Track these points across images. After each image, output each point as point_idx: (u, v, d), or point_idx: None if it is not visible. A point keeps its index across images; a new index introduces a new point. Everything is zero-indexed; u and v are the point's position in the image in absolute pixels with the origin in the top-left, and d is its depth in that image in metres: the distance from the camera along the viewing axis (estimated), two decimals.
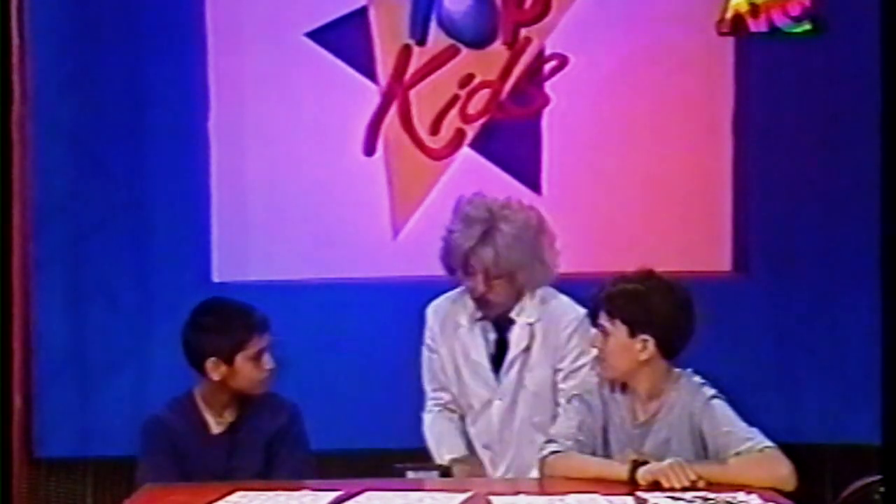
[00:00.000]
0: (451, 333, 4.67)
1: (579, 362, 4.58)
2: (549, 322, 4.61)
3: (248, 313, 4.22)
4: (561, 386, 4.60)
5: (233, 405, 4.26)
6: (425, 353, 4.74)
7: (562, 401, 4.57)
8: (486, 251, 4.47)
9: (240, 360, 4.18)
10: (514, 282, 4.55)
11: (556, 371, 4.60)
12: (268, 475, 4.17)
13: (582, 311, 4.56)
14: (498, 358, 4.64)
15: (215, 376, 4.19)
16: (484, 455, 4.64)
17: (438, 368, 4.70)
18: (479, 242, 4.47)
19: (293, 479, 4.11)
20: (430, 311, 4.74)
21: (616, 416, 4.12)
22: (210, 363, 4.17)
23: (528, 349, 4.60)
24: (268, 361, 4.20)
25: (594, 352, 4.46)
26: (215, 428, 4.25)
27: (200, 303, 4.31)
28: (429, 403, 4.71)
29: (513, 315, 4.61)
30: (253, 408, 4.26)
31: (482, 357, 4.63)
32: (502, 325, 4.63)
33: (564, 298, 4.65)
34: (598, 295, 4.12)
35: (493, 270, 4.50)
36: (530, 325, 4.60)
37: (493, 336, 4.64)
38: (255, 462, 4.21)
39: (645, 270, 4.15)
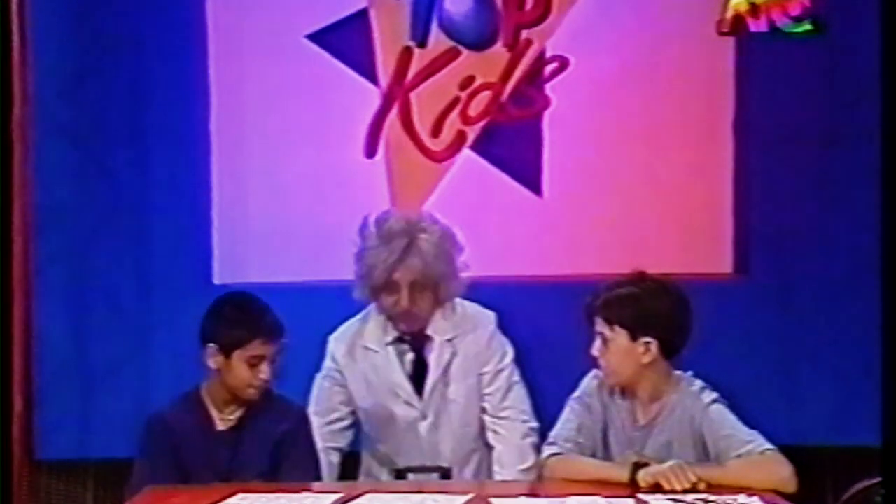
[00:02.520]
0: (361, 359, 4.67)
1: (503, 363, 4.66)
2: (466, 332, 4.68)
3: (259, 316, 4.23)
4: (486, 390, 4.65)
5: (237, 403, 4.25)
6: (323, 384, 4.71)
7: (486, 405, 4.62)
8: (414, 261, 4.54)
9: (236, 357, 4.19)
10: (437, 293, 4.60)
11: (481, 375, 4.63)
12: (274, 478, 4.16)
13: (490, 313, 4.71)
14: (416, 377, 4.64)
15: (212, 363, 4.21)
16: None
17: (340, 402, 4.68)
18: (405, 254, 4.54)
19: (298, 482, 4.09)
20: (333, 340, 4.75)
21: (616, 418, 4.13)
22: (209, 349, 4.20)
23: (449, 364, 4.62)
24: (264, 370, 4.18)
25: (510, 354, 4.54)
26: (220, 425, 4.25)
27: (230, 292, 4.40)
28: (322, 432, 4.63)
29: (429, 332, 4.63)
30: (260, 408, 4.25)
31: (402, 378, 4.64)
32: (417, 344, 4.64)
33: (470, 304, 4.73)
34: (594, 302, 4.12)
35: (420, 281, 4.53)
36: (450, 341, 4.62)
37: (410, 356, 4.66)
38: (260, 463, 4.20)
39: (637, 273, 4.16)
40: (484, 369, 4.68)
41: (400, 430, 4.66)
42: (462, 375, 4.66)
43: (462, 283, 4.68)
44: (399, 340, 4.68)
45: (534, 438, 4.65)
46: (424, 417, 4.66)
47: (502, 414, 4.69)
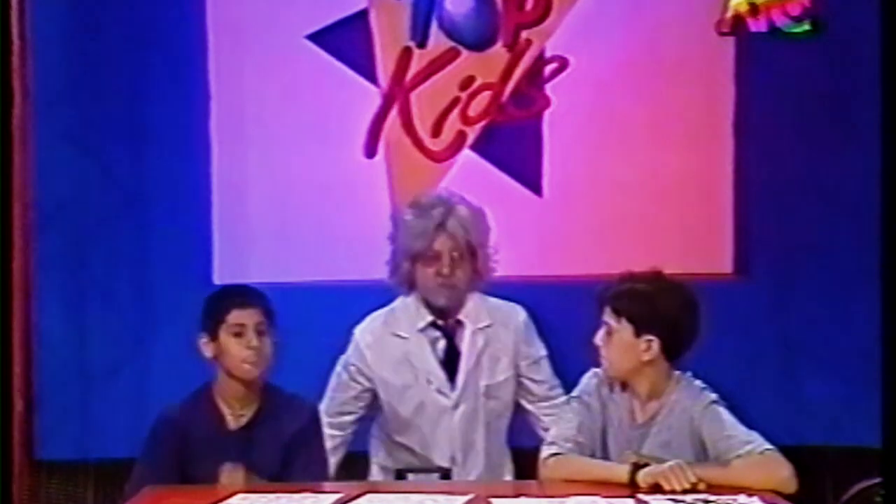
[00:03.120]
0: (389, 348, 4.63)
1: (542, 353, 4.64)
2: (500, 323, 4.66)
3: (231, 289, 4.28)
4: (536, 377, 4.63)
5: (248, 400, 4.19)
6: (342, 375, 4.66)
7: (536, 390, 4.61)
8: (454, 227, 4.54)
9: (223, 334, 4.15)
10: (475, 265, 4.59)
11: (518, 366, 4.62)
12: (284, 477, 4.11)
13: (518, 306, 4.70)
14: (448, 365, 4.63)
15: (207, 353, 4.19)
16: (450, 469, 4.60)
17: (352, 396, 4.64)
18: (444, 221, 4.55)
19: (309, 482, 4.05)
20: (359, 331, 4.70)
21: (615, 417, 4.12)
22: (202, 341, 4.19)
23: (482, 353, 4.61)
24: (252, 339, 4.13)
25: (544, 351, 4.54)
26: (232, 423, 4.20)
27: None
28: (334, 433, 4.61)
29: (461, 317, 4.62)
30: (272, 406, 4.20)
31: (434, 366, 4.61)
32: (449, 331, 4.63)
33: (497, 299, 4.71)
34: (605, 293, 4.11)
35: (459, 251, 4.53)
36: (482, 329, 4.61)
37: (442, 343, 4.63)
38: (272, 462, 4.14)
39: (654, 271, 4.15)
40: (526, 360, 4.66)
41: (430, 419, 4.61)
42: (497, 366, 4.64)
43: (491, 267, 4.68)
44: (431, 326, 4.65)
45: None
46: (457, 406, 4.63)
47: (554, 395, 4.64)
